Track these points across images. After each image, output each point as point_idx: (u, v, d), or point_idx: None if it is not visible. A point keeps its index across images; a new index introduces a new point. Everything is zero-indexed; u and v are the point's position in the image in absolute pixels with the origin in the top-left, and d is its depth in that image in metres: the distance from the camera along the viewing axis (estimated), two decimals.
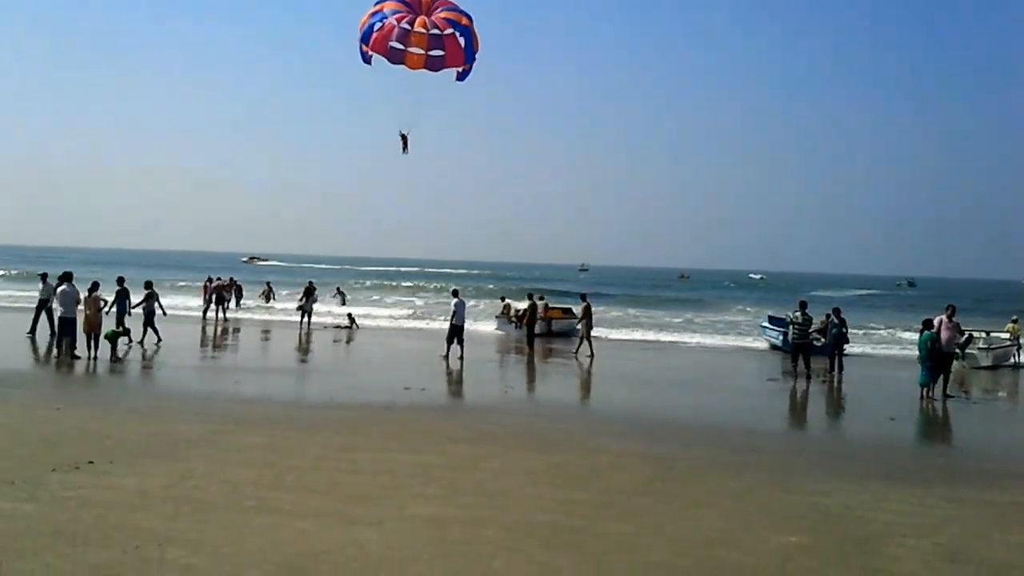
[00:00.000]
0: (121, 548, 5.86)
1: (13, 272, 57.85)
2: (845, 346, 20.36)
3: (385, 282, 66.52)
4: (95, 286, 17.57)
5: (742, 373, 20.67)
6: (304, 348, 22.61)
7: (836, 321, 19.65)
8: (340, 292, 39.51)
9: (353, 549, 6.10)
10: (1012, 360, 23.03)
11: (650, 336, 29.29)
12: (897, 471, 9.70)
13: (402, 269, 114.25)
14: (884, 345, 27.69)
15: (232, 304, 32.49)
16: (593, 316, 22.89)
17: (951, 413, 14.77)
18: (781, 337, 24.84)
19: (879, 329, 32.78)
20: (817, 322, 20.06)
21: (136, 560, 5.67)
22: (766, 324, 28.58)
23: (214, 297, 29.25)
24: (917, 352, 16.19)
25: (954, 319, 16.43)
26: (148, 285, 20.92)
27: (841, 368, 19.01)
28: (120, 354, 17.49)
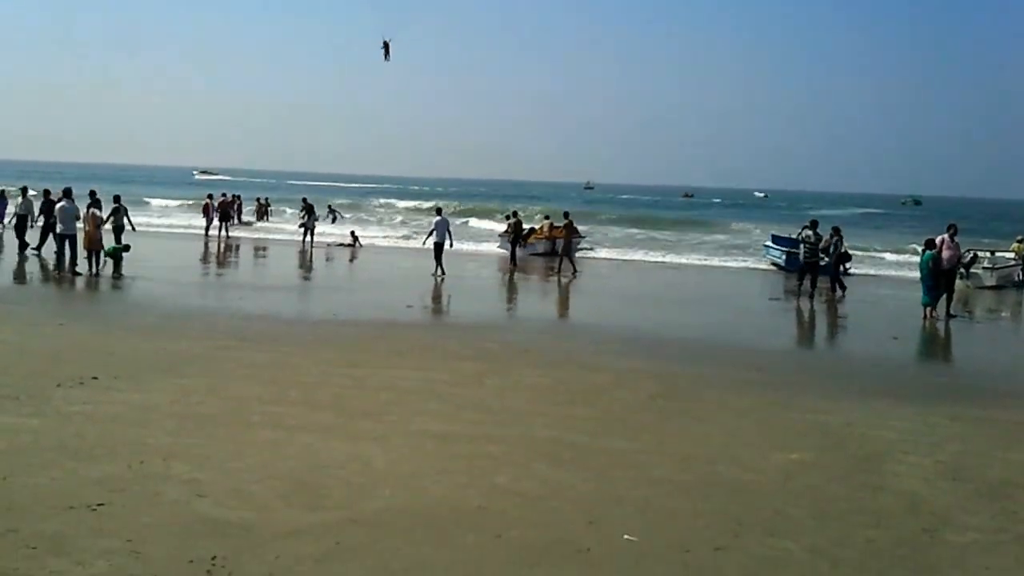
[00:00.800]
0: (126, 463, 5.89)
1: None
2: (847, 264, 20.22)
3: (383, 200, 65.17)
4: (95, 202, 17.30)
5: (744, 292, 20.63)
6: (307, 266, 22.54)
7: (836, 239, 19.47)
8: (332, 211, 38.79)
9: (358, 464, 6.13)
10: (1017, 279, 22.89)
11: (652, 256, 29.13)
12: (899, 390, 9.72)
13: (385, 186, 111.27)
14: (887, 265, 27.50)
15: (236, 221, 32.35)
16: (582, 236, 22.57)
17: (954, 333, 14.76)
18: (784, 256, 24.70)
19: (882, 248, 32.53)
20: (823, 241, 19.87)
21: (141, 475, 5.69)
22: (769, 243, 28.38)
23: (218, 215, 29.02)
24: (919, 272, 16.10)
25: (956, 238, 16.26)
26: (116, 199, 20.17)
27: (843, 287, 18.93)
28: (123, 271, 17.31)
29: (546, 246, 26.63)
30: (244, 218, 34.97)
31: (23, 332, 10.73)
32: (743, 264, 27.26)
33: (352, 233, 29.12)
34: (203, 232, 28.92)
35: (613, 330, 13.43)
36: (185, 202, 48.00)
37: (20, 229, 20.70)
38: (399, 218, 48.10)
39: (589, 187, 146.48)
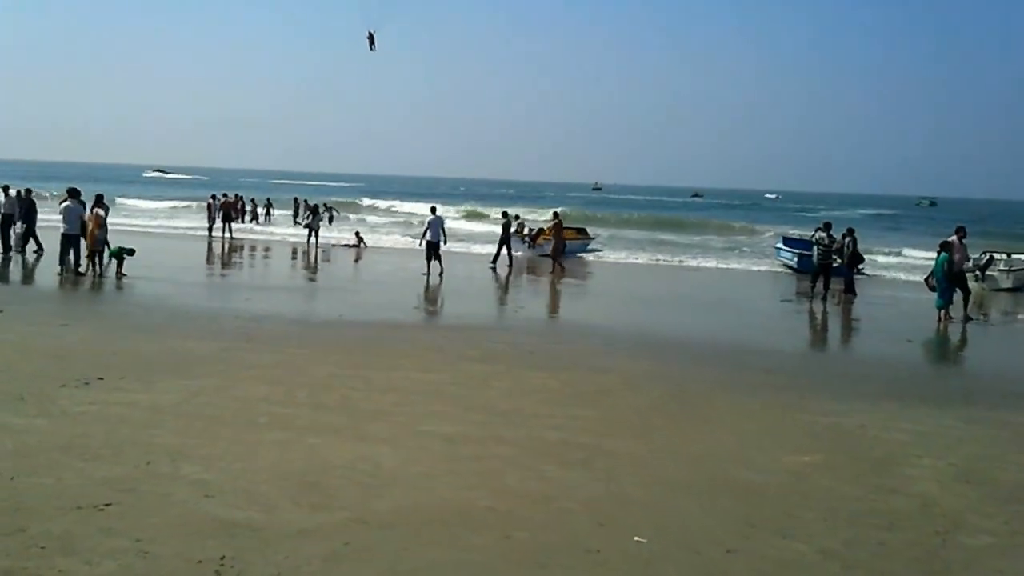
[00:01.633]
0: (134, 463, 5.87)
1: None
2: (861, 266, 20.09)
3: (388, 202, 64.45)
4: (99, 202, 17.33)
5: (755, 294, 20.53)
6: (312, 267, 22.55)
7: (850, 241, 19.35)
8: (329, 209, 38.63)
9: (367, 464, 6.09)
10: None
11: (661, 257, 29.02)
12: (913, 392, 9.62)
13: (391, 185, 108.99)
14: (901, 267, 27.29)
15: (258, 222, 32.40)
16: (591, 238, 22.57)
17: (969, 335, 14.63)
18: (795, 258, 24.58)
19: (896, 249, 32.31)
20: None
21: (149, 475, 5.67)
22: (780, 245, 28.26)
23: (220, 215, 29.06)
24: (933, 273, 15.99)
25: (964, 240, 16.14)
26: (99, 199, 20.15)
27: (854, 289, 18.80)
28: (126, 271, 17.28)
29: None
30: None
31: (27, 332, 10.71)
32: (753, 266, 27.12)
33: (357, 234, 29.14)
34: (206, 232, 29.00)
35: (621, 332, 13.37)
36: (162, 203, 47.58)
37: (4, 228, 20.42)
38: (402, 219, 47.88)
39: (597, 188, 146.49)
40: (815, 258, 18.94)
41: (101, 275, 16.49)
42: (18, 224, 20.47)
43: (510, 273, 21.76)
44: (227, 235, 28.88)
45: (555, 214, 24.45)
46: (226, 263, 22.82)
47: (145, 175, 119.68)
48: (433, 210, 21.82)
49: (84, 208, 17.39)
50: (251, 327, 11.96)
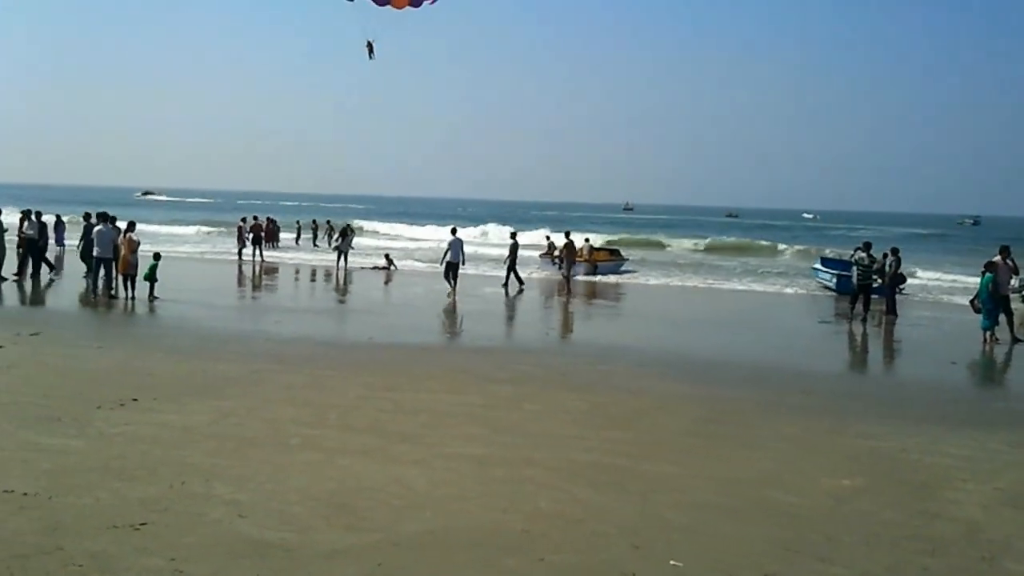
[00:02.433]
0: (168, 483, 5.91)
1: None
2: (902, 286, 19.70)
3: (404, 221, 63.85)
4: (131, 226, 17.67)
5: (793, 315, 20.22)
6: (342, 289, 22.73)
7: (893, 260, 19.00)
8: (352, 231, 38.58)
9: (397, 487, 6.07)
10: None
11: (694, 279, 28.66)
12: (957, 415, 9.37)
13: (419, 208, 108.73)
14: (943, 289, 26.54)
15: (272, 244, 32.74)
16: (624, 259, 22.59)
17: (1015, 357, 14.23)
18: (834, 280, 24.19)
19: (940, 270, 31.60)
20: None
21: (183, 495, 5.70)
22: (819, 266, 27.85)
23: (251, 238, 29.38)
24: (979, 295, 15.65)
25: (1009, 260, 15.77)
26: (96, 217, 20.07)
27: (896, 312, 18.41)
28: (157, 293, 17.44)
29: (587, 269, 26.54)
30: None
31: (63, 355, 10.90)
32: (791, 287, 26.64)
33: (387, 256, 29.30)
34: (236, 255, 29.32)
35: (653, 353, 13.22)
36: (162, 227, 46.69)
37: (29, 253, 20.39)
38: (428, 243, 47.25)
39: (628, 208, 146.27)
40: (854, 279, 18.60)
41: (133, 298, 16.79)
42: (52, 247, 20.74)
43: (509, 292, 21.74)
44: (258, 258, 29.17)
45: (567, 234, 24.80)
46: (257, 286, 23.09)
47: (136, 196, 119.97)
48: (454, 231, 22.13)
49: (117, 232, 17.74)
50: (282, 349, 12.05)
